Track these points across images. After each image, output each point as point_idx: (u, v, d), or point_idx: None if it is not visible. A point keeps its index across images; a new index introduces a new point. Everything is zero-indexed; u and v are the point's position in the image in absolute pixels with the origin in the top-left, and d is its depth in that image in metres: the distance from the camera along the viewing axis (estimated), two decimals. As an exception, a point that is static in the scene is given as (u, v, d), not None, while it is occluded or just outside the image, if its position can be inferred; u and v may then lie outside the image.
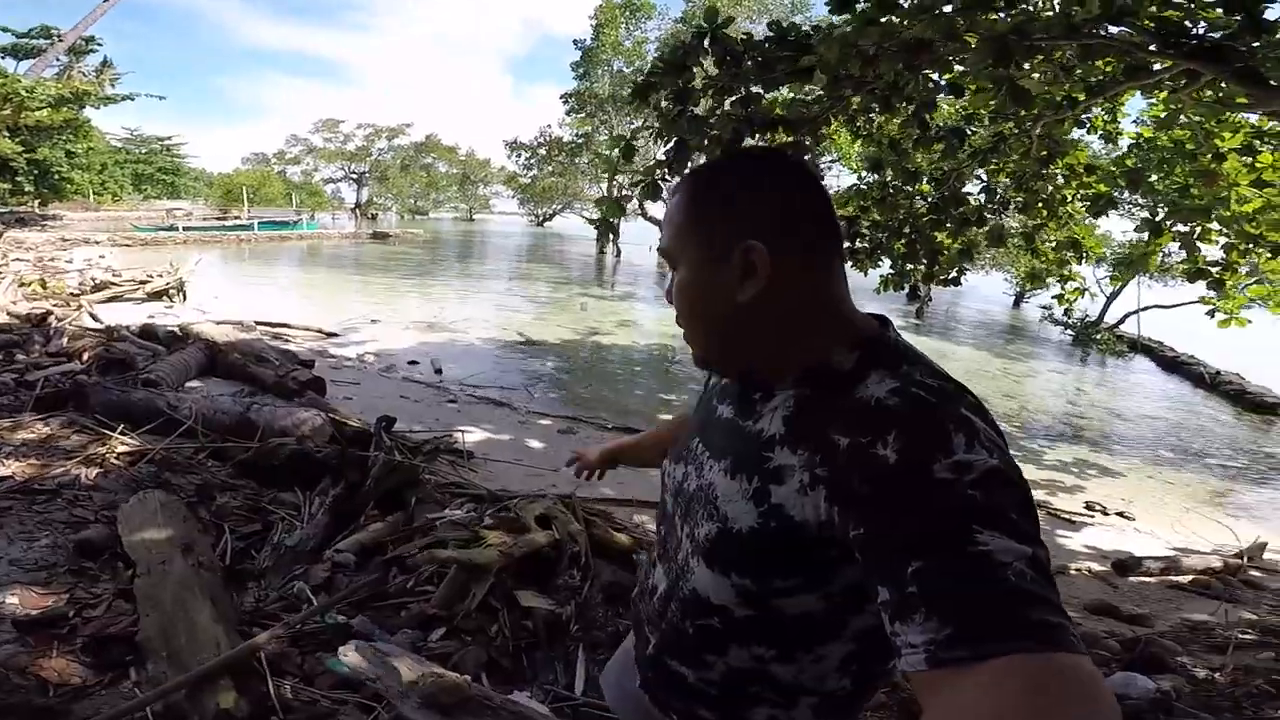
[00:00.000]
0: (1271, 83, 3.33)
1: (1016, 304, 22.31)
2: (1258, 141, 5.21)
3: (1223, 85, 4.03)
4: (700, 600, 0.71)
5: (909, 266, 6.67)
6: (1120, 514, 5.74)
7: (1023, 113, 4.43)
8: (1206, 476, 7.57)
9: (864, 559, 0.55)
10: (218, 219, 30.53)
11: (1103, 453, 7.83)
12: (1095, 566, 4.42)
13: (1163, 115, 5.50)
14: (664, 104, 4.28)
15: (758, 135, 5.04)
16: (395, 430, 4.07)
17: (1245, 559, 4.38)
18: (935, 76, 4.36)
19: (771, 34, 3.83)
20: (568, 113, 30.29)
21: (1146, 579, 4.15)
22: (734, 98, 4.24)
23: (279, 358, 6.26)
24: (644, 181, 4.70)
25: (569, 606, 2.08)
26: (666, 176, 4.91)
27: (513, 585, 2.06)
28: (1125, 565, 4.27)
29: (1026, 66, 3.64)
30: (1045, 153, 5.74)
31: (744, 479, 0.67)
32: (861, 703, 0.73)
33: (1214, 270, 6.52)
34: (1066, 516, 5.49)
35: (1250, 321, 7.13)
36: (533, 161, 34.23)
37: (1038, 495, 5.75)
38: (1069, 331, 16.67)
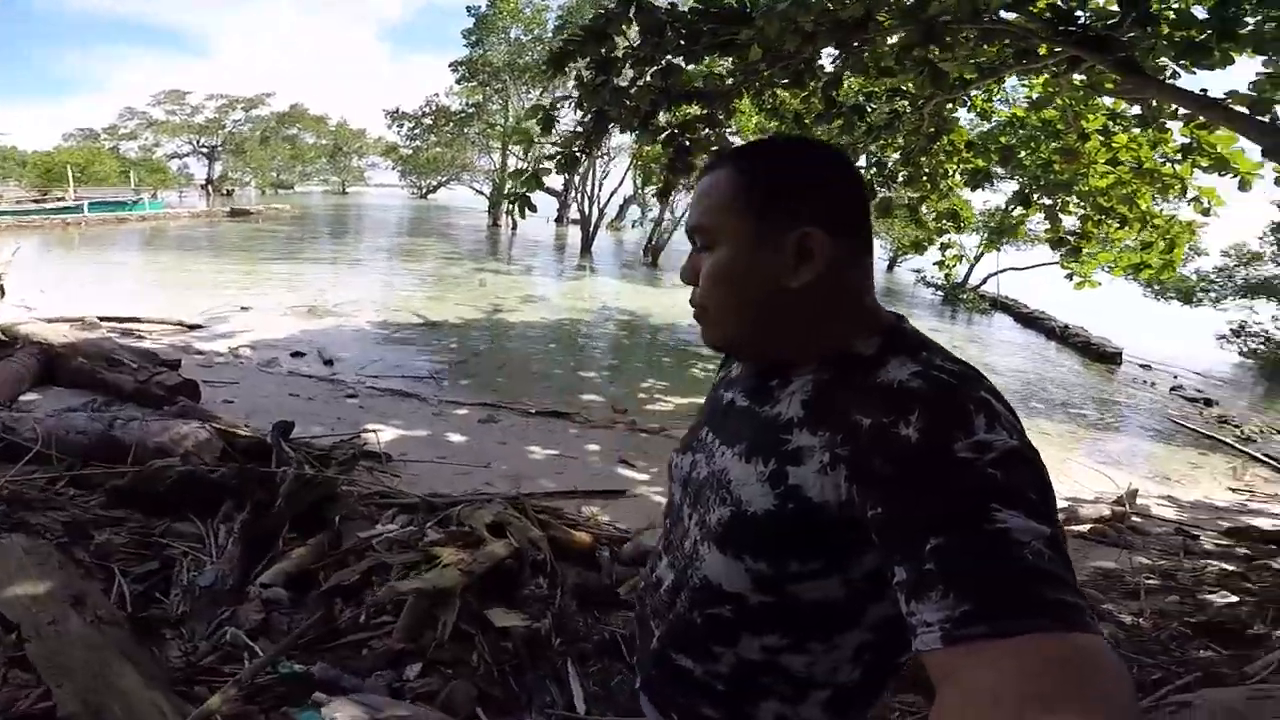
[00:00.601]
0: (1146, 72, 3.66)
1: (890, 268, 24.04)
2: (1111, 123, 5.75)
3: (1094, 71, 4.40)
4: (711, 588, 0.70)
5: None
6: None
7: (927, 92, 4.62)
8: (1074, 426, 8.50)
9: (882, 539, 0.56)
10: (35, 201, 26.47)
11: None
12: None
13: (1035, 97, 5.94)
14: (584, 73, 4.12)
15: (673, 107, 5.00)
16: (294, 436, 3.70)
17: (1128, 506, 4.91)
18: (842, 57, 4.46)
19: (698, 6, 3.75)
20: (458, 81, 28.87)
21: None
22: (654, 69, 4.13)
23: (135, 359, 5.42)
24: (563, 153, 4.52)
25: (545, 619, 1.95)
26: (584, 149, 4.75)
27: (479, 605, 1.91)
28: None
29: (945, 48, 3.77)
30: (933, 130, 6.05)
31: (760, 461, 0.67)
32: (872, 699, 0.72)
33: (1072, 239, 7.29)
34: None
35: (1100, 284, 8.07)
36: (416, 132, 32.35)
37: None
38: (939, 292, 18.18)
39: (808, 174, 0.71)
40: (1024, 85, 6.38)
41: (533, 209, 4.17)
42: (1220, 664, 2.09)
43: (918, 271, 20.99)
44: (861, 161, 6.74)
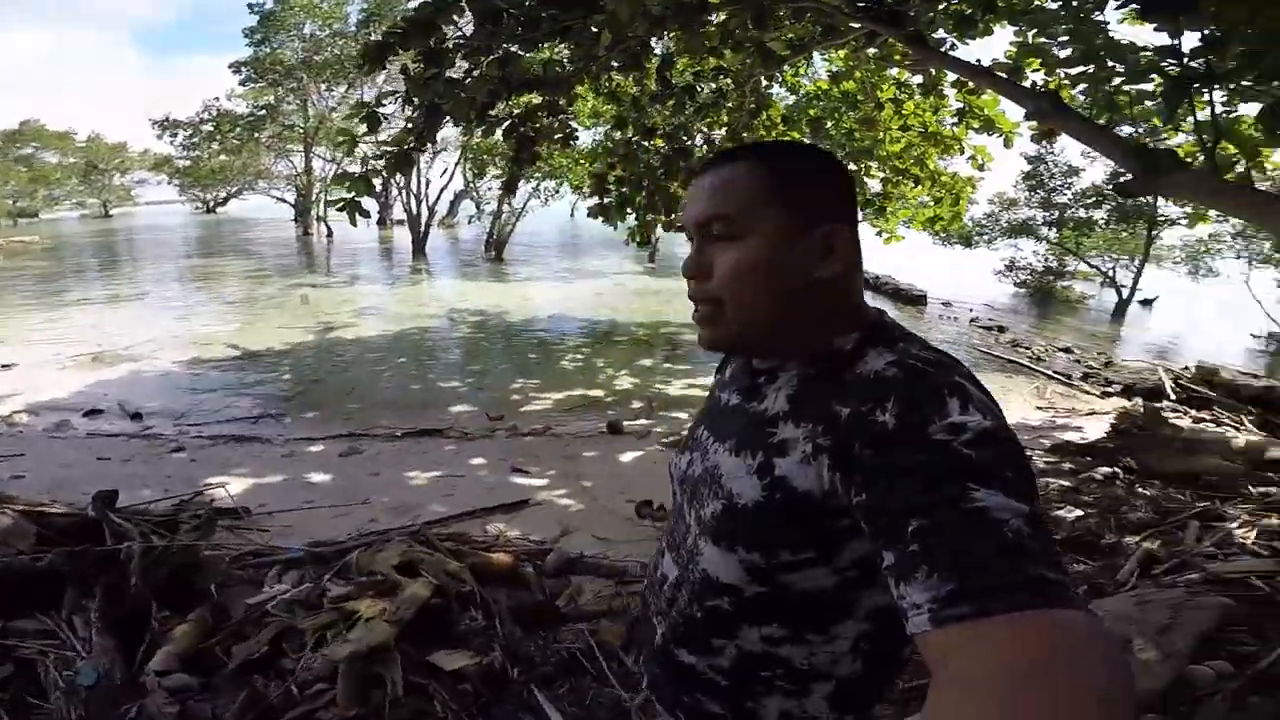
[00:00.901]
0: (930, 44, 4.13)
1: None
2: (898, 91, 6.47)
3: (886, 44, 4.91)
4: (709, 580, 0.72)
5: (650, 217, 7.15)
6: None
7: (757, 70, 4.89)
8: None
9: (868, 525, 0.57)
10: None
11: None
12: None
13: (835, 70, 6.51)
14: (411, 66, 3.85)
15: (511, 97, 4.84)
16: (123, 505, 3.15)
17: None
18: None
19: None
20: (242, 83, 25.70)
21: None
22: (491, 59, 3.97)
23: None
24: (393, 153, 4.23)
25: (494, 652, 1.83)
26: (418, 145, 4.47)
27: (419, 653, 1.75)
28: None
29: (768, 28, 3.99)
30: (754, 105, 6.44)
31: (748, 455, 0.69)
32: (876, 691, 0.74)
33: (877, 200, 8.15)
34: None
35: (904, 237, 9.13)
36: (195, 140, 28.35)
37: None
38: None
39: (823, 172, 0.74)
40: (825, 60, 6.96)
41: (365, 214, 3.85)
42: (1094, 575, 2.45)
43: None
44: (695, 140, 7.03)
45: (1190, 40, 2.75)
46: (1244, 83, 2.83)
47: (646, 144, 6.56)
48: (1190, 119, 2.99)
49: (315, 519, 3.51)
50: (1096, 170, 13.83)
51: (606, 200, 6.88)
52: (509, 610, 2.10)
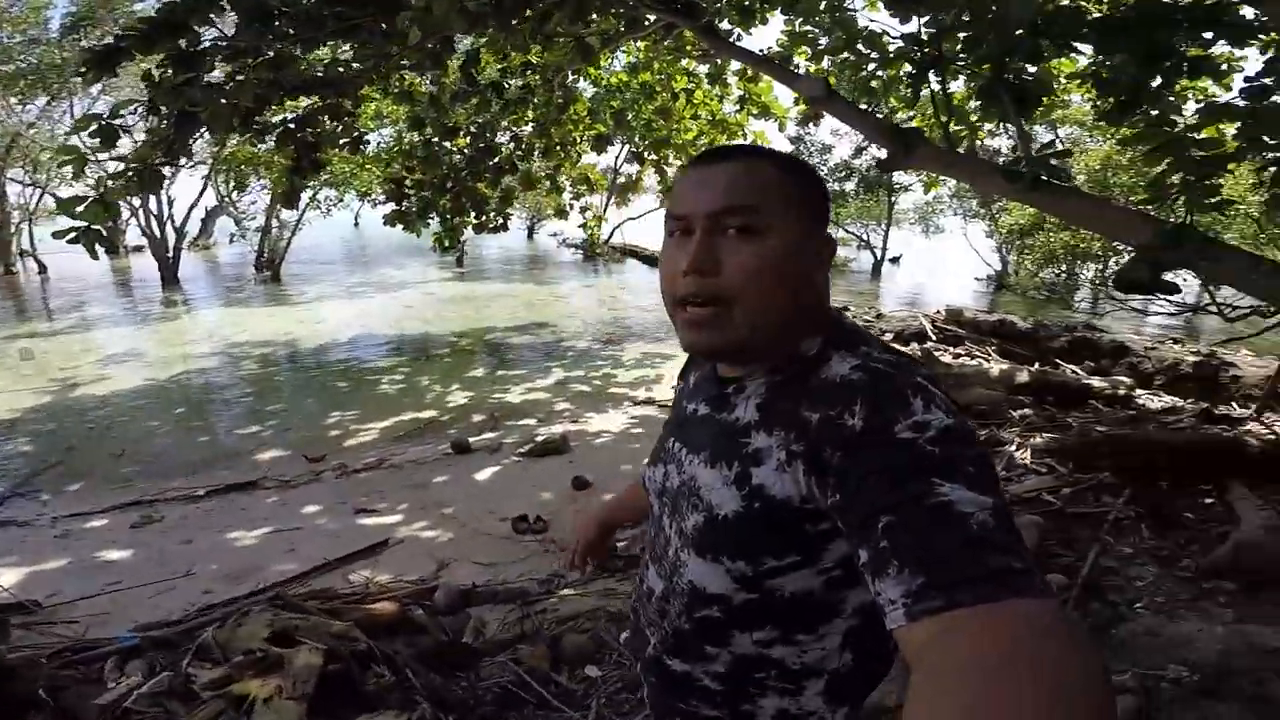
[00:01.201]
0: (720, 35, 4.42)
1: (530, 236, 25.20)
2: (687, 80, 6.86)
3: (680, 36, 5.16)
4: (697, 591, 0.73)
5: (458, 219, 6.90)
6: None
7: (575, 64, 4.85)
8: None
9: (844, 525, 0.59)
10: None
11: (656, 342, 9.71)
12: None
13: (632, 62, 6.71)
14: (156, 71, 3.30)
15: (284, 101, 4.34)
16: None
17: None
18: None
19: None
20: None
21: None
22: (260, 60, 3.53)
23: None
24: (138, 170, 3.61)
25: (420, 705, 1.63)
26: (169, 160, 3.89)
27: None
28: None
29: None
30: (562, 100, 6.45)
31: (724, 466, 0.70)
32: (868, 682, 0.76)
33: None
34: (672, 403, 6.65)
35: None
36: None
37: (639, 394, 6.94)
38: (578, 251, 19.80)
39: (819, 182, 0.75)
40: (623, 53, 7.13)
41: (104, 244, 3.21)
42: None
43: (554, 235, 22.45)
44: (502, 137, 6.85)
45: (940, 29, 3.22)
46: (968, 67, 3.28)
47: (448, 144, 6.28)
48: (930, 100, 3.46)
49: (131, 601, 2.92)
50: (844, 147, 15.92)
51: (406, 206, 6.49)
52: (416, 659, 1.89)
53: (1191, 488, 3.49)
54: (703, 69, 6.48)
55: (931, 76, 3.33)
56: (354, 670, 1.75)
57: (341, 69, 4.24)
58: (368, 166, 13.18)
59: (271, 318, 12.00)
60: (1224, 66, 3.00)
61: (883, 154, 3.77)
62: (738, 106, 6.89)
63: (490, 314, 11.69)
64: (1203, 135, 2.95)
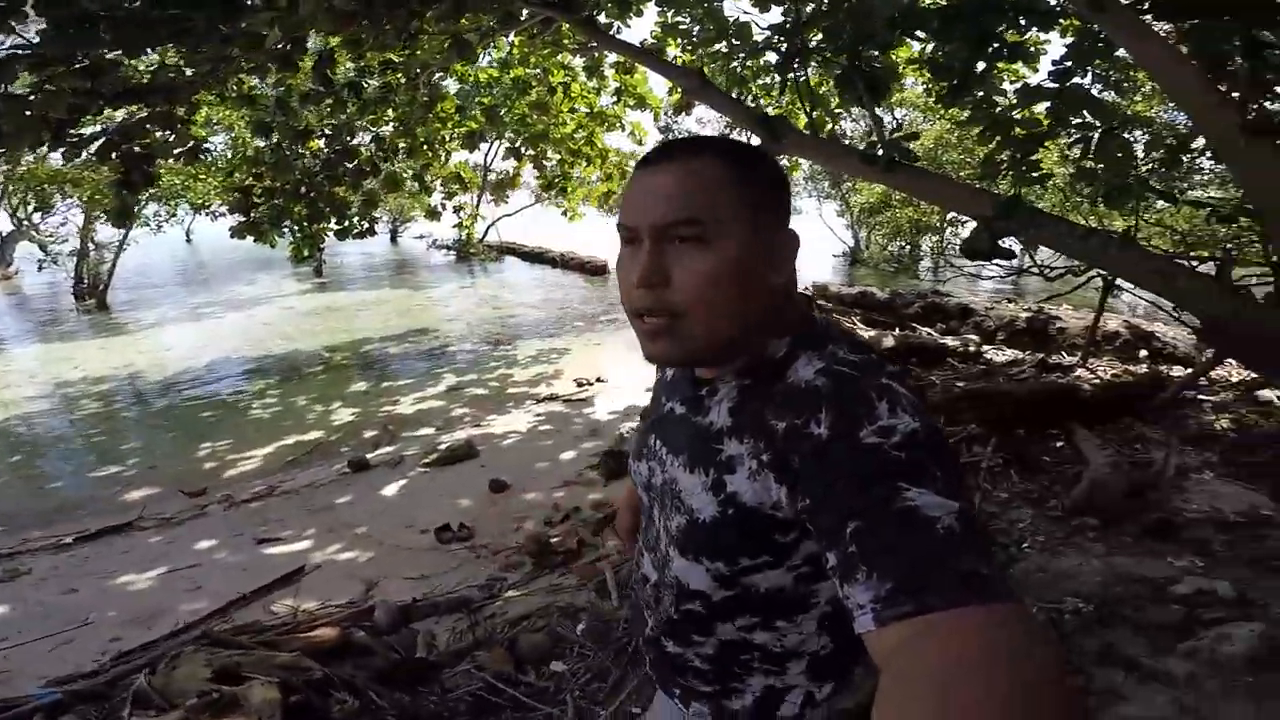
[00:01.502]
0: (599, 28, 4.46)
1: (393, 240, 23.90)
2: (564, 73, 6.84)
3: (559, 30, 5.15)
4: (682, 586, 0.75)
5: (316, 227, 6.52)
6: (599, 379, 7.13)
7: (450, 59, 4.66)
8: (619, 330, 10.22)
9: (814, 530, 0.59)
10: None
11: (549, 338, 9.62)
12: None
13: (502, 57, 6.59)
14: None
15: (108, 109, 3.94)
16: None
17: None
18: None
19: None
20: None
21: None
22: (74, 67, 3.18)
23: None
24: None
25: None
26: None
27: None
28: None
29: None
30: (428, 99, 6.23)
31: (701, 472, 0.71)
32: (850, 660, 0.76)
33: (558, 181, 8.56)
34: (576, 397, 6.57)
35: (585, 214, 9.76)
36: None
37: (540, 391, 6.88)
38: (451, 252, 19.09)
39: (775, 175, 0.71)
40: (493, 49, 6.98)
41: None
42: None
43: (421, 237, 21.46)
44: (361, 138, 6.50)
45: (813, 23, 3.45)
46: (827, 57, 3.47)
47: (299, 148, 5.89)
48: (794, 88, 3.70)
49: (27, 658, 2.57)
50: (709, 134, 16.49)
51: (255, 216, 6.04)
52: (374, 680, 1.81)
53: (1042, 433, 3.96)
54: (578, 62, 6.49)
55: (796, 66, 3.58)
56: (314, 699, 1.65)
57: (173, 74, 3.86)
58: (202, 177, 11.93)
59: (106, 350, 10.59)
60: (1033, 50, 3.45)
61: (755, 141, 4.01)
62: (614, 98, 6.98)
63: (362, 325, 11.05)
64: (1021, 116, 3.42)
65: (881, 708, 0.44)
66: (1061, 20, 3.27)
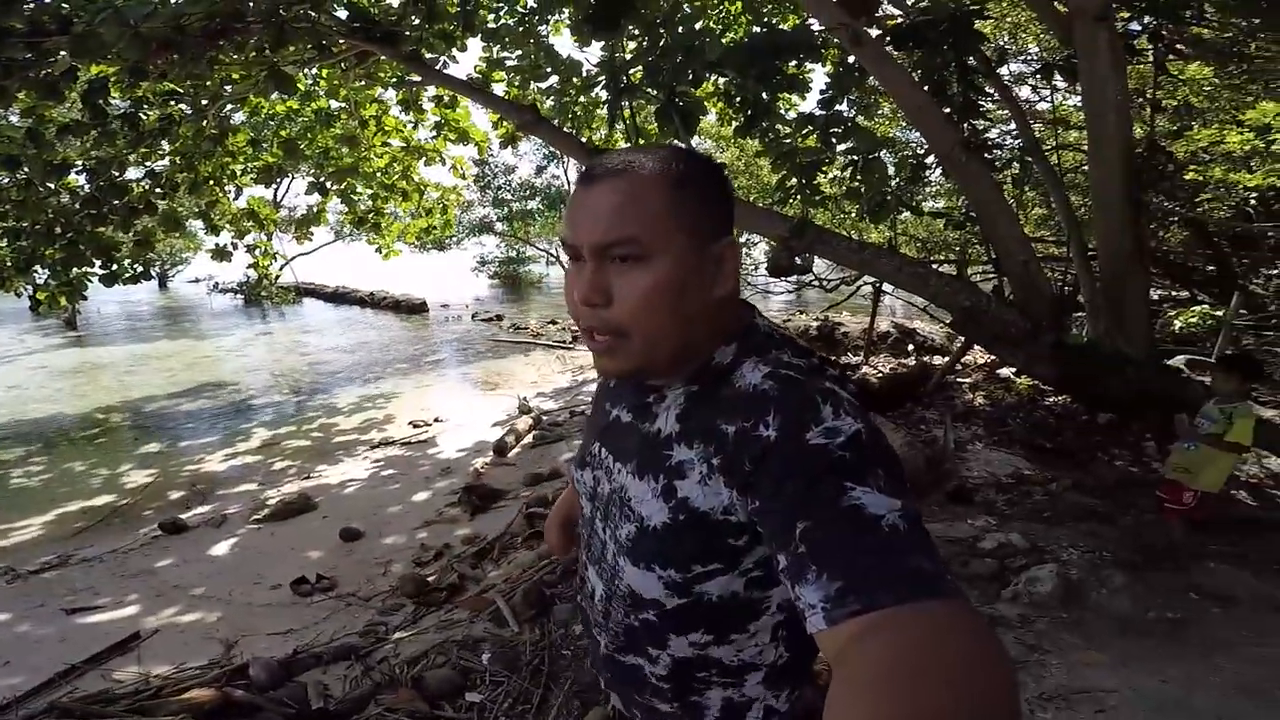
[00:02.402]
0: (425, 62, 4.49)
1: (162, 285, 20.70)
2: (378, 107, 6.66)
3: (377, 63, 5.06)
4: (635, 596, 0.74)
5: (75, 272, 5.77)
6: (436, 419, 6.92)
7: (258, 90, 4.34)
8: (440, 370, 9.86)
9: (764, 532, 0.60)
10: None
11: (369, 383, 9.02)
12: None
13: (305, 89, 6.23)
14: None
15: None
16: None
17: (536, 411, 6.21)
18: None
19: None
20: None
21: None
22: None
23: None
24: None
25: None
26: None
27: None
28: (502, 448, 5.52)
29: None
30: (217, 131, 5.80)
31: (651, 479, 0.71)
32: (806, 668, 0.77)
33: (370, 217, 8.22)
34: (416, 440, 6.30)
35: (401, 251, 9.38)
36: None
37: (371, 437, 6.47)
38: (238, 296, 17.03)
39: (714, 183, 0.70)
40: (300, 80, 6.57)
41: None
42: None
43: (197, 280, 18.91)
44: (131, 174, 5.79)
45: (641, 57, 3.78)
46: (648, 90, 3.79)
47: (52, 184, 5.16)
48: (622, 120, 4.04)
49: None
50: (525, 166, 16.62)
51: None
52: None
53: None
54: (391, 95, 6.34)
55: (623, 101, 3.92)
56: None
57: None
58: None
59: None
60: (802, 79, 4.13)
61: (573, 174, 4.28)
62: (434, 132, 6.88)
63: (139, 381, 9.52)
64: (801, 145, 4.06)
65: (833, 706, 0.45)
66: (825, 51, 3.92)
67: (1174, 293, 7.47)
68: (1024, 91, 6.73)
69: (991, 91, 4.68)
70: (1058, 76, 4.33)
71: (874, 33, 3.67)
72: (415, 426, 6.76)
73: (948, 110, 3.75)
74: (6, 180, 5.13)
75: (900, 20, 3.77)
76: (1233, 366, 2.98)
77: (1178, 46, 4.62)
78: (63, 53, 2.78)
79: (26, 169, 4.73)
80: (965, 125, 3.78)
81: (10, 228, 5.10)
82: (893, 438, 4.23)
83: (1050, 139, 5.57)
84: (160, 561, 3.73)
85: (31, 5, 2.77)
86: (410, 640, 2.48)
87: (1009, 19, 6.46)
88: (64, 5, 2.68)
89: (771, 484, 0.58)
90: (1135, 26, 4.05)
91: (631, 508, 0.72)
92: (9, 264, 5.14)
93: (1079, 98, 4.55)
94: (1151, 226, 5.22)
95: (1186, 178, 4.75)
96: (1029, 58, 6.78)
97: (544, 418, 6.55)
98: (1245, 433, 2.81)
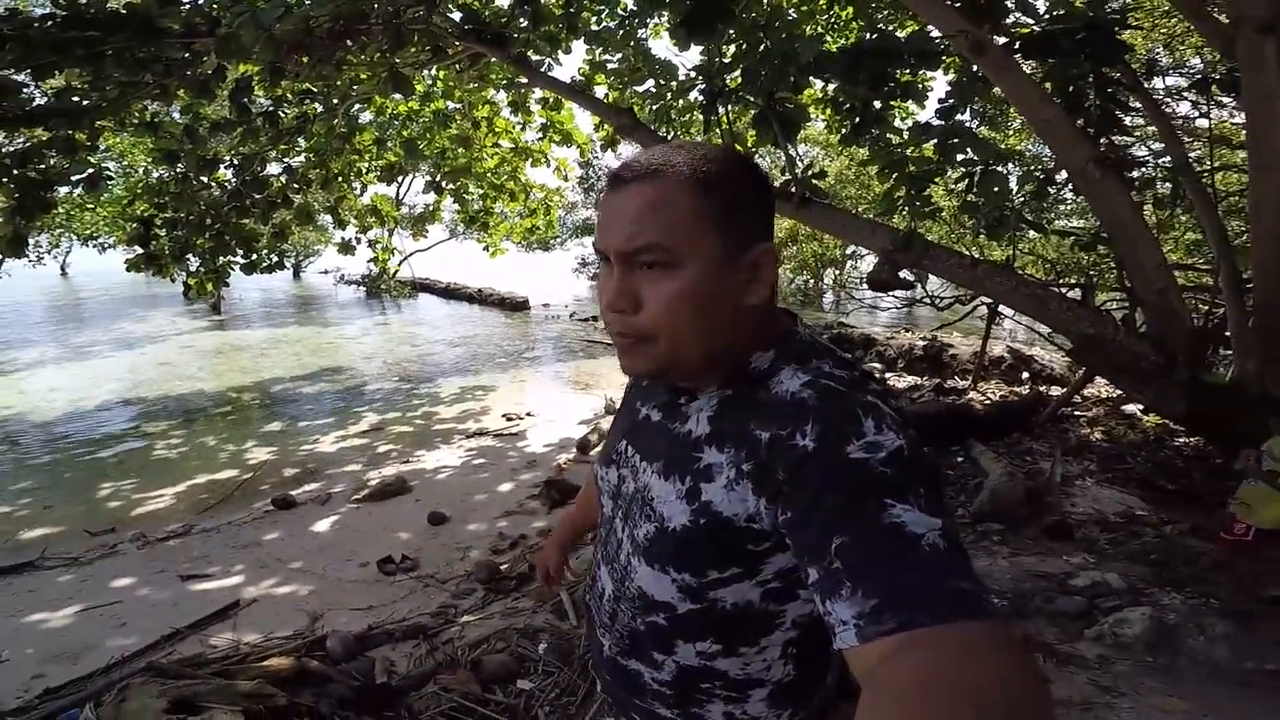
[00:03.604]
0: (531, 65, 4.63)
1: (296, 275, 22.79)
2: (491, 109, 6.94)
3: (487, 65, 5.27)
4: (646, 598, 0.73)
5: (221, 260, 6.30)
6: (528, 413, 7.13)
7: (380, 91, 4.67)
8: (537, 366, 10.16)
9: (794, 544, 0.58)
10: None
11: (471, 375, 9.46)
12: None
13: (424, 91, 6.61)
14: None
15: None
16: None
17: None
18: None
19: (63, 11, 2.82)
20: None
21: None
22: None
23: None
24: None
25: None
26: None
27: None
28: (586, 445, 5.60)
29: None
30: (346, 130, 6.18)
31: (676, 479, 0.69)
32: (812, 690, 0.75)
33: (480, 216, 8.59)
34: (507, 432, 6.53)
35: (508, 250, 9.77)
36: None
37: (468, 426, 6.77)
38: (360, 288, 18.41)
39: (752, 188, 0.67)
40: (418, 82, 7.00)
41: None
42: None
43: (326, 272, 20.60)
44: (271, 169, 6.33)
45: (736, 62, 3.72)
46: (744, 97, 3.71)
47: (205, 178, 5.69)
48: (719, 126, 3.96)
49: None
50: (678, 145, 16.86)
51: (155, 248, 5.78)
52: (341, 705, 1.78)
53: (942, 449, 4.39)
54: (502, 97, 6.61)
55: (717, 106, 3.85)
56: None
57: (77, 98, 3.72)
58: (90, 207, 11.07)
59: (-20, 391, 9.46)
60: (921, 87, 3.89)
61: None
62: (540, 134, 7.12)
63: (270, 363, 10.48)
64: (914, 154, 3.81)
65: (863, 719, 0.45)
66: (945, 58, 3.68)
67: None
68: (1183, 107, 6.02)
69: (1138, 106, 4.21)
70: (1217, 91, 3.83)
71: (1000, 40, 3.40)
72: (508, 419, 6.98)
73: (1082, 124, 3.40)
74: (166, 174, 5.79)
75: (1032, 29, 3.46)
76: None
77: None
78: (211, 53, 3.10)
79: (183, 164, 5.30)
80: (1102, 140, 3.41)
81: (169, 218, 5.69)
82: (992, 467, 3.92)
83: (1206, 158, 4.96)
84: (268, 535, 4.06)
85: (187, 5, 3.11)
86: (476, 624, 2.55)
87: (1162, 29, 5.81)
88: (213, 5, 2.99)
89: (808, 496, 0.57)
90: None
91: (653, 508, 0.71)
92: (167, 252, 5.72)
93: (1243, 115, 4.01)
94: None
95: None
96: (1187, 70, 6.07)
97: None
98: None
